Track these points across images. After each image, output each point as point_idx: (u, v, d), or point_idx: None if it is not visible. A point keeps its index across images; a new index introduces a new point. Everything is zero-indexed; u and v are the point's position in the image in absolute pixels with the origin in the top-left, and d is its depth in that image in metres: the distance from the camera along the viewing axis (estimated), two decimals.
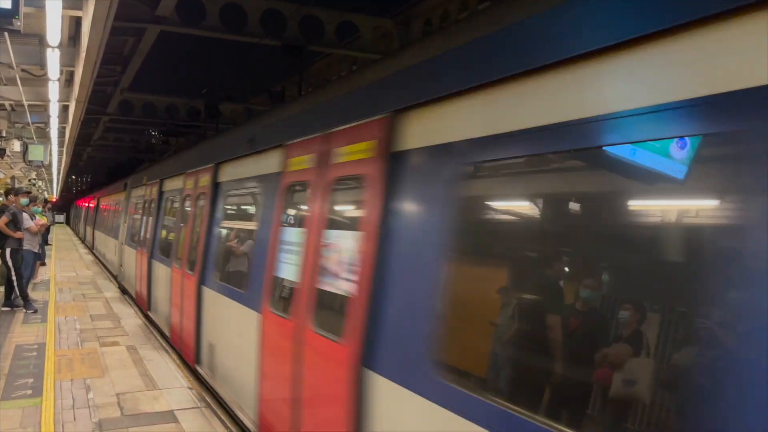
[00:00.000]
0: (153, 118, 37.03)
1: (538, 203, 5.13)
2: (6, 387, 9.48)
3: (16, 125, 22.60)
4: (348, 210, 6.78)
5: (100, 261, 31.55)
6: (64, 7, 10.47)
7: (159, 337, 13.12)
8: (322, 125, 6.86)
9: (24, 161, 25.00)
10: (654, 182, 4.17)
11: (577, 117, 3.87)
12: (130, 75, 26.62)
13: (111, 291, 19.63)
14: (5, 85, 15.27)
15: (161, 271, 14.38)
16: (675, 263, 4.17)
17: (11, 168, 29.79)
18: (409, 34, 21.81)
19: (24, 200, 16.29)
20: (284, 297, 7.49)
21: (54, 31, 11.11)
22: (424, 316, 4.77)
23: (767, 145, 2.98)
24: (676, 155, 3.89)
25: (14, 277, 15.14)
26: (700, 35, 3.31)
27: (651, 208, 4.52)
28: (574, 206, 5.06)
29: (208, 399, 9.43)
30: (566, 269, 4.68)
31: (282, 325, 7.09)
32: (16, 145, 22.91)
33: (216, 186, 10.63)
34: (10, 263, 14.93)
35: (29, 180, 42.92)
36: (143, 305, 16.51)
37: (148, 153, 51.59)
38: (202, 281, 10.62)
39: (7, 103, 19.30)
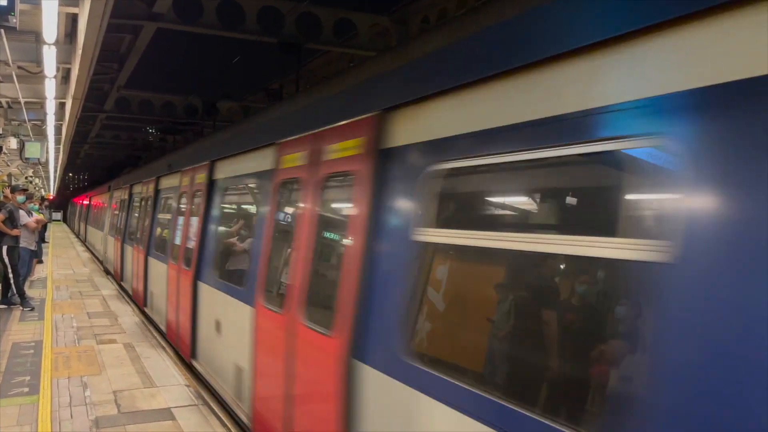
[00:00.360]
0: (150, 116, 37.10)
1: (509, 197, 5.40)
2: (3, 385, 9.49)
3: (13, 122, 22.61)
4: (338, 206, 7.02)
5: (91, 251, 35.83)
6: (60, 4, 10.48)
7: (156, 335, 13.13)
8: (313, 124, 7.08)
9: (20, 159, 24.99)
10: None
11: (550, 115, 4.10)
12: (127, 72, 26.64)
13: (108, 289, 19.64)
14: (1, 82, 15.30)
15: (157, 267, 14.49)
16: None
17: (8, 165, 29.77)
18: (407, 31, 21.82)
19: (20, 198, 16.28)
20: (277, 292, 7.74)
21: (50, 28, 11.12)
22: (406, 307, 5.00)
23: None
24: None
25: (11, 275, 15.13)
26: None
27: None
28: (571, 200, 5.19)
29: (206, 396, 9.44)
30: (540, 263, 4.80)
31: (274, 319, 7.27)
32: (13, 143, 22.89)
33: (211, 183, 10.81)
34: (6, 261, 14.93)
35: (26, 177, 42.94)
36: (139, 301, 16.64)
37: (145, 150, 51.68)
38: (197, 277, 10.76)
39: (3, 100, 19.33)
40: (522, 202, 5.35)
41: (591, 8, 4.12)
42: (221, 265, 10.36)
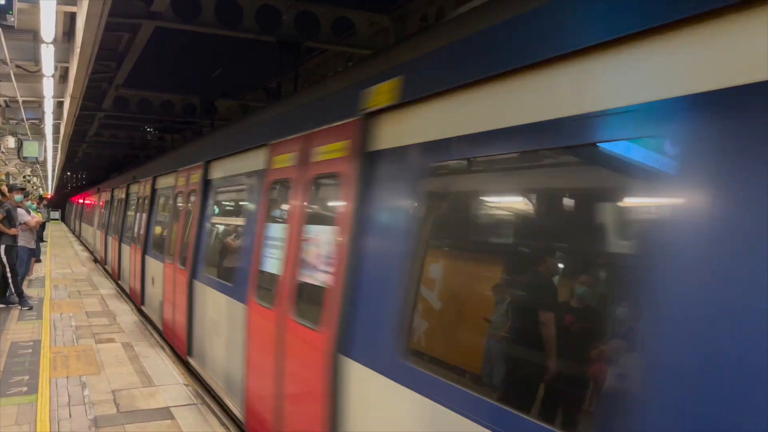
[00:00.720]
0: (148, 115, 37.09)
1: (487, 198, 5.57)
2: (1, 384, 9.50)
3: (11, 121, 22.62)
4: (326, 206, 7.28)
5: (84, 244, 41.40)
6: (58, 3, 10.50)
7: (154, 334, 13.15)
8: (303, 126, 7.39)
9: (18, 158, 25.03)
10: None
11: (524, 122, 4.31)
12: (126, 71, 26.63)
13: (106, 288, 19.66)
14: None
15: (154, 266, 14.66)
16: None
17: (6, 164, 29.80)
18: (405, 30, 21.82)
19: (18, 197, 16.29)
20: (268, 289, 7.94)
21: (48, 26, 11.14)
22: (392, 305, 5.28)
23: None
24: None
25: (9, 274, 15.14)
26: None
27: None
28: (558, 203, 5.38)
29: (204, 395, 9.46)
30: (541, 265, 4.94)
31: (266, 315, 7.55)
32: (11, 142, 22.92)
33: (206, 183, 11.04)
34: (4, 260, 14.94)
35: (24, 176, 42.96)
36: (137, 300, 16.72)
37: (143, 149, 51.72)
38: (193, 276, 10.93)
39: (1, 99, 19.34)
40: (494, 201, 5.64)
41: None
42: (213, 262, 10.81)
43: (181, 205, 13.08)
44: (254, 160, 8.97)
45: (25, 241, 16.18)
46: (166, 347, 12.02)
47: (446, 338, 5.49)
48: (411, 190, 5.31)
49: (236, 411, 8.49)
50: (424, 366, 5.01)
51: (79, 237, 50.53)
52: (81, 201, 53.35)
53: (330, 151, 6.59)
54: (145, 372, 10.32)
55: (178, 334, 11.91)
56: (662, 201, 3.53)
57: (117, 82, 28.44)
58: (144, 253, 16.53)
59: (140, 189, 19.05)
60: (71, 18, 12.41)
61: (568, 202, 5.11)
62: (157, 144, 47.59)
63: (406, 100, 5.39)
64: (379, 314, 5.45)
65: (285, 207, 7.90)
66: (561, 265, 4.78)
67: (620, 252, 4.14)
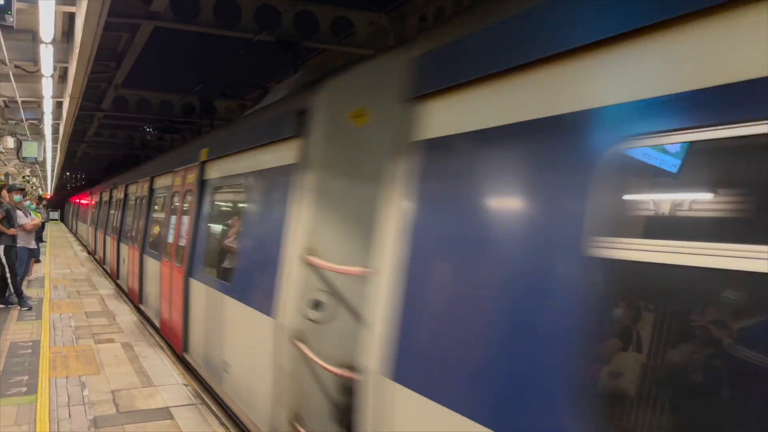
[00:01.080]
0: (148, 114, 37.07)
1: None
2: (1, 384, 9.54)
3: (10, 122, 22.62)
4: (188, 205, 12.40)
5: (81, 241, 46.54)
6: (57, 3, 10.54)
7: (154, 334, 13.18)
8: (182, 163, 13.64)
9: (18, 158, 25.02)
10: None
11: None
12: (125, 71, 26.62)
13: (106, 288, 19.67)
14: None
15: (152, 265, 15.18)
16: None
17: (5, 165, 29.78)
18: (404, 29, 21.79)
19: (17, 197, 16.30)
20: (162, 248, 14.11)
21: (47, 27, 11.16)
22: (198, 250, 11.20)
23: None
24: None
25: (8, 275, 15.15)
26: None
27: None
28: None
29: (204, 396, 9.47)
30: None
31: (164, 265, 13.62)
32: (10, 142, 22.92)
33: (202, 183, 11.87)
34: (3, 260, 14.94)
35: (23, 177, 42.95)
36: (135, 298, 16.90)
37: (143, 149, 51.72)
38: (189, 274, 11.53)
39: (0, 100, 19.32)
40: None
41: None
42: (158, 242, 15.34)
43: (128, 206, 21.16)
44: (167, 180, 14.64)
45: (24, 241, 16.20)
46: (165, 347, 12.05)
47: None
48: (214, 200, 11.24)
49: (156, 322, 13.92)
50: (210, 272, 10.56)
51: (75, 234, 54.98)
52: (77, 202, 59.52)
53: (191, 179, 12.25)
54: (145, 372, 10.34)
55: (131, 288, 18.05)
56: None
57: (116, 82, 28.44)
58: (119, 242, 22.02)
59: (119, 194, 25.04)
60: (70, 18, 12.42)
61: None
62: (156, 144, 47.58)
63: (213, 157, 10.87)
64: (199, 256, 11.16)
65: (174, 208, 13.67)
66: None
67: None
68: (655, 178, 4.74)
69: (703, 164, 4.62)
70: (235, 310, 8.73)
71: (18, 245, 15.59)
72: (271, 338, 7.05)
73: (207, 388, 9.94)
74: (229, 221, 10.60)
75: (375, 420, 5.20)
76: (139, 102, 35.80)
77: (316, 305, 6.68)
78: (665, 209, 5.33)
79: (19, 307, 15.20)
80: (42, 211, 33.62)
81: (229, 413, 9.09)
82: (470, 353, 4.43)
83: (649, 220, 5.45)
